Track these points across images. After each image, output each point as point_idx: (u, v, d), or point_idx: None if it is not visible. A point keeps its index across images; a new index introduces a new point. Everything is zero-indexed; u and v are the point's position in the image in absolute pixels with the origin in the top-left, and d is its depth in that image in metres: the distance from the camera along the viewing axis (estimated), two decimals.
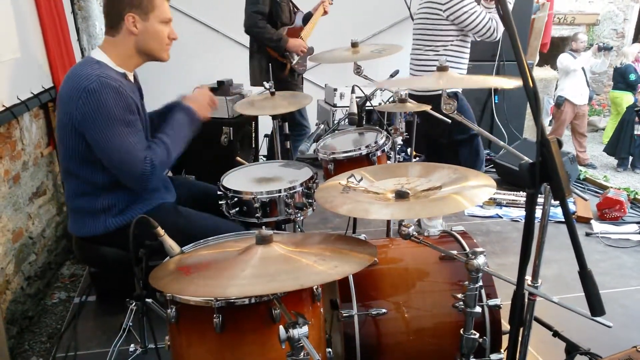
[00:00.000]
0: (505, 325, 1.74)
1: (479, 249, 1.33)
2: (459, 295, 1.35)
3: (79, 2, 4.54)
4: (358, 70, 2.22)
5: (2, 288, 2.49)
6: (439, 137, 2.88)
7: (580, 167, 5.09)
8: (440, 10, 2.70)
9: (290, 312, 1.08)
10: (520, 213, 3.88)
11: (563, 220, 3.40)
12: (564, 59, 6.80)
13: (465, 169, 1.47)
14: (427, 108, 2.01)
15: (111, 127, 1.73)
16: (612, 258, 3.35)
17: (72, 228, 2.00)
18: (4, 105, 2.50)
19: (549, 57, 7.95)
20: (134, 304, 2.03)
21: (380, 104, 4.04)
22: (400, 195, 1.40)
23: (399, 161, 2.38)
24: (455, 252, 1.44)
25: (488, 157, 4.96)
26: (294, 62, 3.86)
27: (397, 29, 5.40)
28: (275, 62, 3.91)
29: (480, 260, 1.30)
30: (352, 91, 2.13)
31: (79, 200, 1.91)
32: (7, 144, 2.65)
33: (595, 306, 0.87)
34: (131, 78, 1.96)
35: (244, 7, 3.81)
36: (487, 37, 2.72)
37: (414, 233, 1.44)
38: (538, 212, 3.64)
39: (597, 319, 1.16)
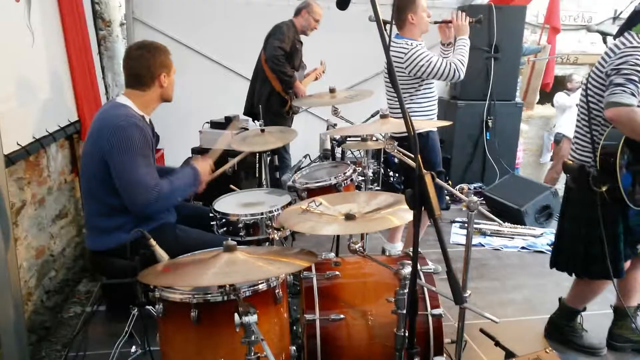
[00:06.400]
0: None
1: (407, 262, 1.64)
2: (391, 299, 1.65)
3: (106, 43, 5.03)
4: (335, 112, 2.56)
5: (24, 299, 2.81)
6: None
7: None
8: (402, 67, 3.03)
9: (244, 303, 1.40)
10: (502, 242, 4.15)
11: (541, 250, 3.67)
12: (559, 98, 7.12)
13: (400, 195, 1.79)
14: (383, 146, 2.33)
15: (131, 157, 2.14)
16: None
17: (89, 244, 2.38)
18: (34, 137, 2.88)
19: (551, 96, 8.25)
20: (136, 309, 2.37)
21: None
22: (349, 217, 1.73)
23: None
24: (390, 265, 1.74)
25: (479, 189, 5.24)
26: (294, 101, 4.27)
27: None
28: (277, 95, 4.34)
29: (406, 270, 1.61)
30: (327, 128, 2.47)
31: (98, 219, 2.30)
32: (35, 170, 3.00)
33: (457, 297, 1.17)
34: (147, 120, 2.36)
35: (267, 40, 4.29)
36: (451, 79, 3.03)
37: (361, 249, 1.76)
38: (521, 242, 3.90)
39: (485, 314, 1.47)
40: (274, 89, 4.33)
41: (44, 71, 3.15)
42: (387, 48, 1.17)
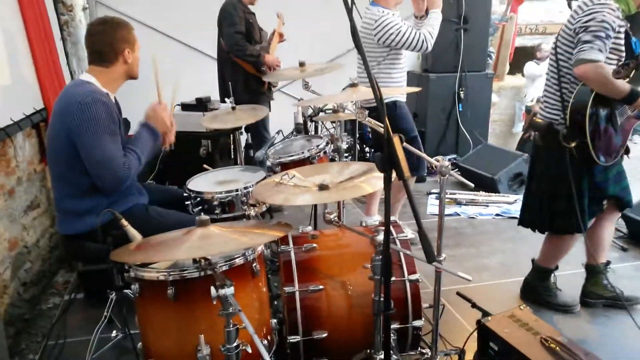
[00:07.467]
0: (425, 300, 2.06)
1: (382, 228, 1.65)
2: (368, 265, 1.67)
3: (68, 28, 4.87)
4: (306, 86, 2.55)
5: (0, 292, 2.77)
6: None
7: None
8: (371, 35, 3.05)
9: (220, 276, 1.40)
10: (477, 210, 4.22)
11: (515, 216, 3.76)
12: (529, 67, 7.20)
13: (372, 164, 1.80)
14: (354, 116, 2.33)
15: (99, 134, 2.09)
16: None
17: (60, 228, 2.33)
18: None
19: (521, 66, 8.34)
20: (113, 294, 2.36)
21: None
22: (322, 187, 1.73)
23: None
24: (367, 233, 1.75)
25: (454, 161, 5.30)
26: (266, 76, 4.21)
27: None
28: (253, 77, 4.28)
29: (381, 237, 1.62)
30: (299, 101, 2.46)
31: (67, 202, 2.25)
32: (1, 161, 2.93)
33: (429, 255, 1.19)
34: (112, 98, 2.32)
35: (221, 29, 4.18)
36: (419, 49, 3.08)
37: (335, 219, 1.77)
38: (495, 209, 3.94)
39: (458, 273, 1.50)
40: (247, 72, 4.26)
41: (4, 57, 3.05)
42: (350, 11, 1.17)
